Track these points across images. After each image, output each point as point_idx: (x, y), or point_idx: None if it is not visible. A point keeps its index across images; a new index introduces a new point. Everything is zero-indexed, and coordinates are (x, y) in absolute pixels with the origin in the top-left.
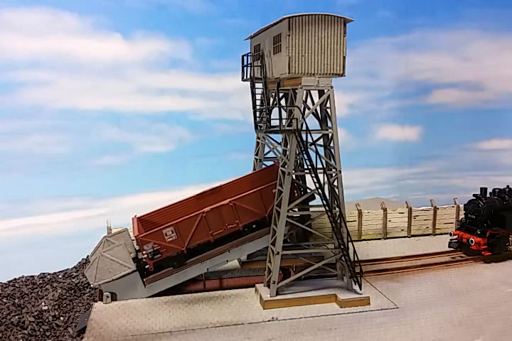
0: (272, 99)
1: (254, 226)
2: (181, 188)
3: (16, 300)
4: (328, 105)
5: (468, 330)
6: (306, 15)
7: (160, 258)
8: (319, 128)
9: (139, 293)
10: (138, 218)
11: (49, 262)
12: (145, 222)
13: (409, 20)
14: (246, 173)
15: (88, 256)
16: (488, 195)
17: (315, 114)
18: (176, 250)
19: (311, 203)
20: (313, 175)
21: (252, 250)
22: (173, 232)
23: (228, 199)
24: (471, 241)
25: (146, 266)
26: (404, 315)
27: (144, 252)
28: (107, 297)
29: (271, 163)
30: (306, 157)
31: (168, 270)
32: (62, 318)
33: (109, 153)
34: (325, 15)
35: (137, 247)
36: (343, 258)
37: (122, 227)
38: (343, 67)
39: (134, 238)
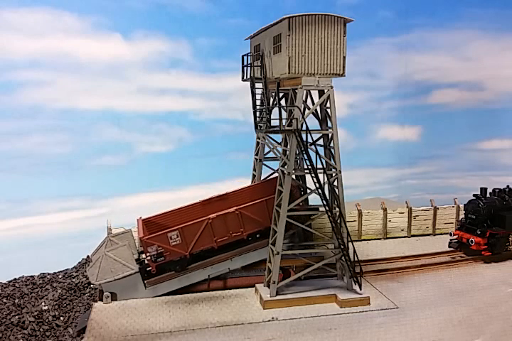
0: (272, 99)
1: (258, 235)
2: (181, 188)
3: (16, 300)
4: (328, 105)
5: (468, 330)
6: (306, 15)
7: (163, 262)
8: (319, 128)
9: (138, 295)
10: (143, 220)
11: (49, 262)
12: (149, 224)
13: (409, 20)
14: (253, 183)
15: (89, 255)
16: (488, 195)
17: (315, 114)
18: (179, 254)
19: (311, 203)
20: (313, 175)
21: (255, 259)
22: (177, 236)
23: (234, 207)
24: (471, 241)
25: (148, 269)
26: (404, 315)
27: (148, 254)
28: (107, 297)
29: (271, 162)
30: (306, 157)
31: (170, 273)
32: (62, 318)
33: (109, 153)
34: (325, 15)
35: (140, 249)
36: (343, 258)
37: (122, 227)
38: (343, 67)
39: (137, 239)
